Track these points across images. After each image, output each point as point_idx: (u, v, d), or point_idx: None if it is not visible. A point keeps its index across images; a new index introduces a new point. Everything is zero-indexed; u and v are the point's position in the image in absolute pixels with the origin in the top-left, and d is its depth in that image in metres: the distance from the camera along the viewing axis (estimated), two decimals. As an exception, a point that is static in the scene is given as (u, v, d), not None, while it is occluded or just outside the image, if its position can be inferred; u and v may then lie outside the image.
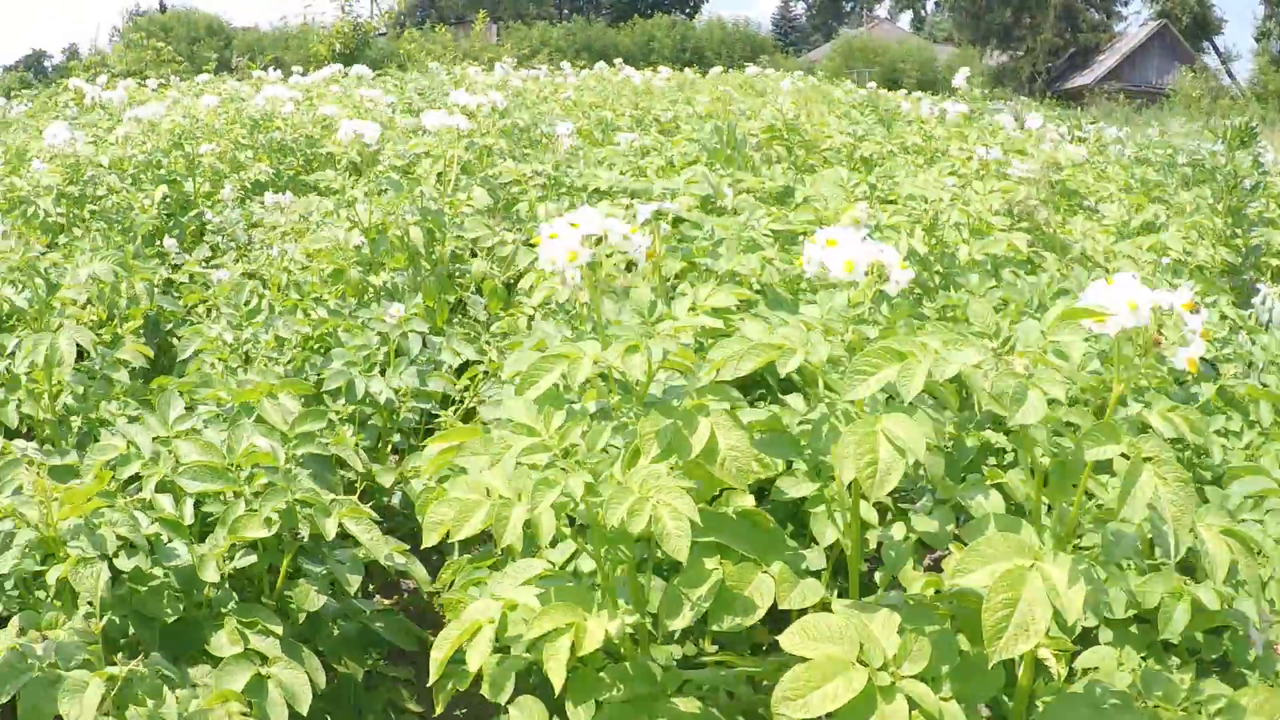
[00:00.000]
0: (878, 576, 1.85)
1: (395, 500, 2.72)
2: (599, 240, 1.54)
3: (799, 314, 1.66)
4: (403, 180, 3.80)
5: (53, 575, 1.70)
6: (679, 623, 1.47)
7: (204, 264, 4.11)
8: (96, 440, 2.70)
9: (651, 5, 43.74)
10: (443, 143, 3.99)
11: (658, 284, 2.51)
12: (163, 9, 32.39)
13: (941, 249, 3.24)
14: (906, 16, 49.65)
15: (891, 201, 3.86)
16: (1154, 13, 38.87)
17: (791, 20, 52.40)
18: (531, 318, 3.23)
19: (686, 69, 14.66)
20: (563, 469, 1.40)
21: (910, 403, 1.37)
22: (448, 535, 1.45)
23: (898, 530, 1.73)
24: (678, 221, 3.07)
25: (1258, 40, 36.80)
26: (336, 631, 2.06)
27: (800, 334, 1.39)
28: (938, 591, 1.83)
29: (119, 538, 1.77)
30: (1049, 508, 1.70)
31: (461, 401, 2.96)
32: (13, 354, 2.54)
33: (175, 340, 3.77)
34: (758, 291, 2.28)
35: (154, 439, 2.12)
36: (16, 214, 4.36)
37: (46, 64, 35.45)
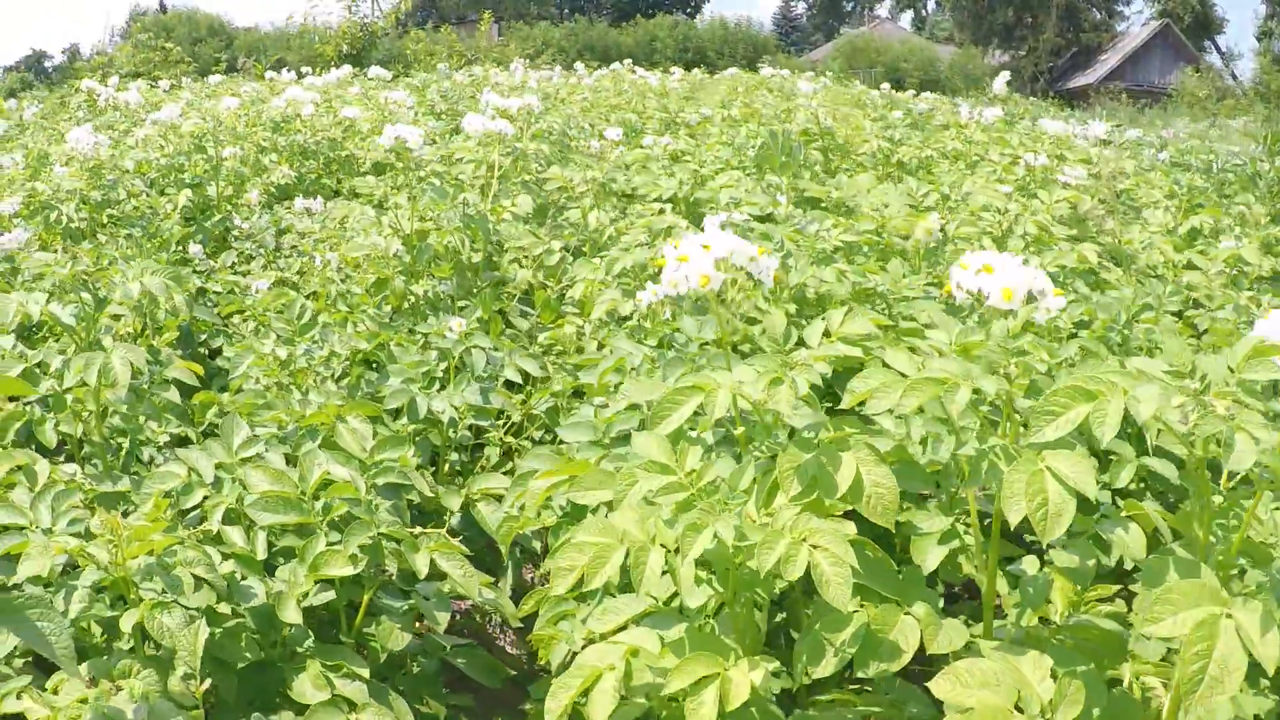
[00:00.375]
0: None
1: (454, 521, 2.61)
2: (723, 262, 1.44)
3: (927, 339, 1.56)
4: (444, 185, 3.69)
5: (127, 621, 1.58)
6: (821, 670, 1.36)
7: (231, 271, 3.99)
8: (139, 461, 2.58)
9: (653, 5, 43.60)
10: (483, 147, 3.87)
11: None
12: (163, 9, 32.19)
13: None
14: (907, 16, 49.58)
15: (929, 209, 3.74)
16: (1155, 12, 38.82)
17: (793, 20, 52.29)
18: (580, 330, 3.12)
19: (694, 69, 14.53)
20: (703, 510, 1.29)
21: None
22: (582, 579, 1.34)
23: (1029, 564, 1.62)
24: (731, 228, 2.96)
25: (1259, 40, 36.73)
26: (416, 669, 1.94)
27: (961, 367, 1.28)
28: (1042, 620, 1.73)
29: (195, 578, 1.65)
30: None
31: (509, 418, 2.84)
32: (59, 371, 2.40)
33: (206, 351, 3.65)
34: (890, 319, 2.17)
35: (217, 465, 2.01)
36: (39, 220, 4.24)
37: (47, 64, 35.27)
